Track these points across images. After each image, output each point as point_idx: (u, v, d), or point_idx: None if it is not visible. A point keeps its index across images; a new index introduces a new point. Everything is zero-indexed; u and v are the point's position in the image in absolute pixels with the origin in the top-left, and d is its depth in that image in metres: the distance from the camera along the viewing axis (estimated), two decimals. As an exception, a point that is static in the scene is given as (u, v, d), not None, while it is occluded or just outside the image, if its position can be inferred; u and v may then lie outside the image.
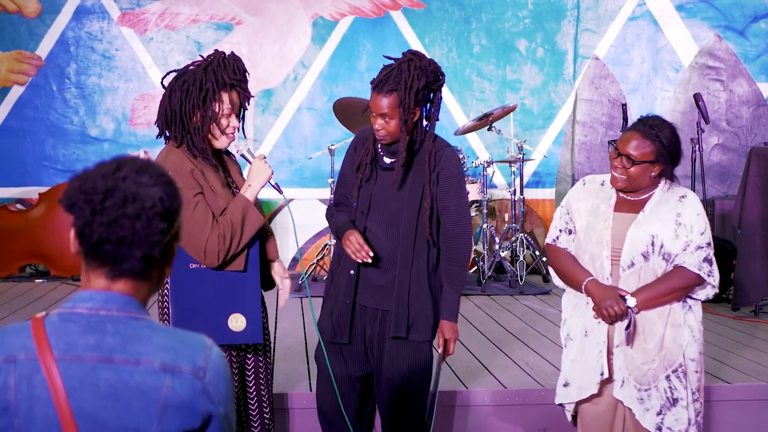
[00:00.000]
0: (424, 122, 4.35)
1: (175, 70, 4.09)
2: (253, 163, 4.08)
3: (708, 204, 9.00)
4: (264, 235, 4.08)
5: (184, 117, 3.96)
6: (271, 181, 4.07)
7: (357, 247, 4.26)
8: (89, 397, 2.02)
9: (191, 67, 4.05)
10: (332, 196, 4.62)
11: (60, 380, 2.01)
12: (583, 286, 4.19)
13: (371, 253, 4.26)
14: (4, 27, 10.34)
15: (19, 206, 10.00)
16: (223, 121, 4.00)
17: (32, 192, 10.16)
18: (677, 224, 4.13)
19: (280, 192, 4.14)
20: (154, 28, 10.51)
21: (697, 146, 8.55)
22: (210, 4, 10.52)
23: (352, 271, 4.41)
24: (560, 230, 4.37)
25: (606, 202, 4.27)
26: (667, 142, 4.15)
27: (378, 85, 4.23)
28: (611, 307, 4.07)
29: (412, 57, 4.25)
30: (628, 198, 4.25)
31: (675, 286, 4.12)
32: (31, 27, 10.38)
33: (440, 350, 4.41)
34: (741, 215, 8.02)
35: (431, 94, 4.30)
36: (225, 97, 3.98)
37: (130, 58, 10.51)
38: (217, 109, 3.97)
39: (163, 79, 4.15)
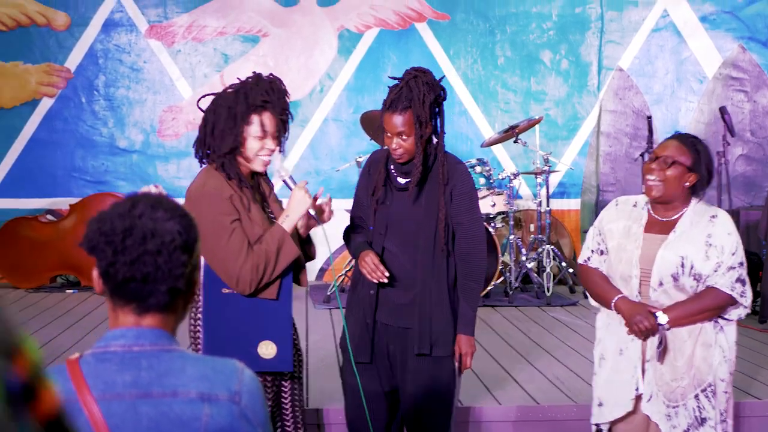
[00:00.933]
0: (433, 138, 4.41)
1: (213, 93, 4.08)
2: (293, 192, 4.05)
3: (733, 214, 9.04)
4: (298, 265, 4.09)
5: (217, 140, 3.95)
6: (310, 210, 4.05)
7: (372, 268, 4.28)
8: None
9: (229, 90, 4.03)
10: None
11: (102, 420, 2.03)
12: (612, 304, 4.23)
13: (387, 274, 4.29)
14: (33, 40, 10.45)
15: (49, 217, 10.12)
16: (255, 144, 3.95)
17: (62, 203, 10.27)
18: (708, 245, 4.12)
19: (319, 222, 4.13)
20: (181, 40, 10.61)
21: (723, 159, 8.58)
22: (236, 16, 10.61)
23: (371, 291, 4.44)
24: (592, 251, 4.41)
25: (637, 222, 4.29)
26: (704, 155, 4.20)
27: (391, 105, 4.25)
28: (641, 323, 4.09)
29: (417, 73, 4.28)
30: (659, 218, 4.27)
31: (707, 305, 4.12)
32: (60, 40, 10.49)
33: (457, 364, 4.46)
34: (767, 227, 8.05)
35: (436, 109, 4.35)
36: (255, 119, 3.93)
37: (158, 71, 10.61)
38: (245, 133, 3.93)
39: (198, 101, 4.12)
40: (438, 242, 4.34)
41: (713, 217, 4.21)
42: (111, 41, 10.54)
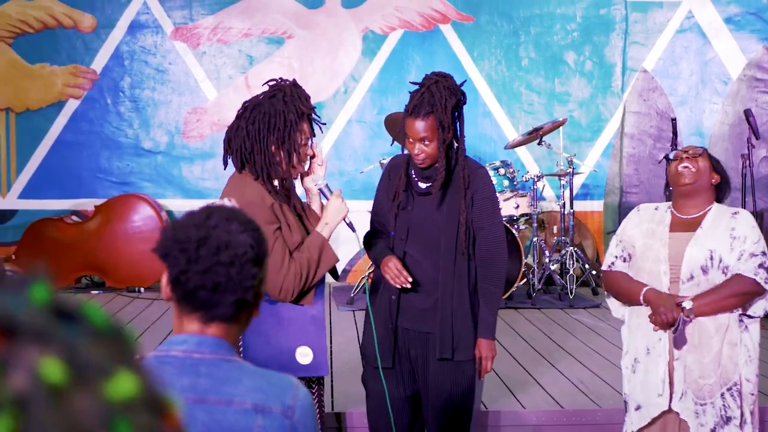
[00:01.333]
0: (454, 142, 4.42)
1: (251, 100, 4.06)
2: (330, 200, 4.09)
3: (757, 216, 9.01)
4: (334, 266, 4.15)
5: (266, 149, 3.95)
6: (346, 218, 4.10)
7: (396, 273, 4.26)
8: None
9: (261, 98, 4.02)
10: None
11: None
12: (641, 296, 4.25)
13: (410, 279, 4.28)
14: (60, 42, 10.52)
15: (74, 218, 10.17)
16: (302, 151, 4.02)
17: (87, 204, 10.33)
18: (732, 237, 4.19)
19: (354, 230, 4.16)
20: (206, 42, 10.65)
21: (747, 162, 8.57)
22: (261, 18, 10.65)
23: (393, 296, 4.43)
24: (615, 257, 4.44)
25: (661, 223, 4.34)
26: (721, 163, 4.40)
27: (414, 111, 4.24)
28: (663, 315, 4.12)
29: (438, 78, 4.28)
30: (683, 216, 4.32)
31: (732, 291, 4.14)
32: (87, 41, 10.55)
33: (477, 367, 4.46)
34: (792, 231, 8.04)
35: (457, 113, 4.36)
36: (304, 127, 3.99)
37: (183, 72, 10.66)
38: (299, 140, 3.97)
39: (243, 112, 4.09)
40: (459, 246, 4.34)
41: (735, 213, 4.32)
42: (137, 43, 10.60)
